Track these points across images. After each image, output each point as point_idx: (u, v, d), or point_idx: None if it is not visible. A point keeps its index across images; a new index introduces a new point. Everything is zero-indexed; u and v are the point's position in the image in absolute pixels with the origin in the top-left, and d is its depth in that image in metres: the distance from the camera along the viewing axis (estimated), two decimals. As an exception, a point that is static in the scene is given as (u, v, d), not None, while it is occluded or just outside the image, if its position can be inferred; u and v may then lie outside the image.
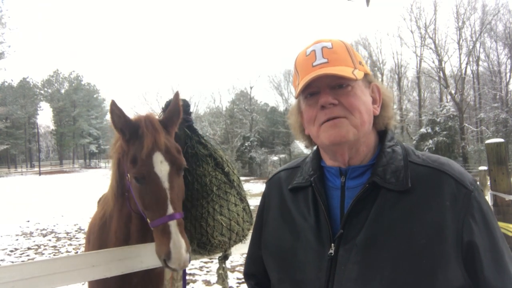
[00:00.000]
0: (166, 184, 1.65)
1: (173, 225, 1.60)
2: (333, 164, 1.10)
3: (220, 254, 2.00)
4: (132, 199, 1.80)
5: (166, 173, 1.67)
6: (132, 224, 1.91)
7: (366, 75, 1.08)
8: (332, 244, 1.00)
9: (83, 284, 5.15)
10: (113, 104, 1.68)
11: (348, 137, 1.00)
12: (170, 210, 1.62)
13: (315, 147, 1.21)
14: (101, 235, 2.05)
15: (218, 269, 2.07)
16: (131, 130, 1.71)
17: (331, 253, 0.99)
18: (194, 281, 5.87)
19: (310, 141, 1.18)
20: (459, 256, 0.91)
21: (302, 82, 1.03)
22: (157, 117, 1.85)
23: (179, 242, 1.58)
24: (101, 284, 1.92)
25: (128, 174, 1.76)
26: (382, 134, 1.12)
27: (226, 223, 1.86)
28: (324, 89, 1.03)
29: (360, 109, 1.02)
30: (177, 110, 1.84)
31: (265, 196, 1.30)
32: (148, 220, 1.67)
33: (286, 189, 1.20)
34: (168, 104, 2.11)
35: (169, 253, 1.56)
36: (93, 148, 71.93)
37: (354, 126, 1.01)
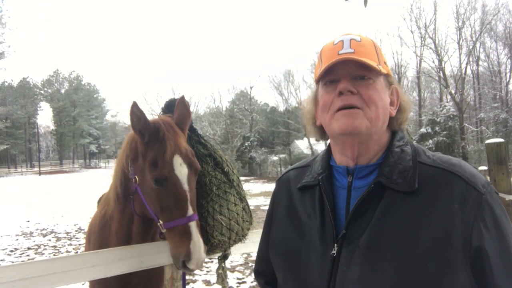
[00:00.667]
0: (186, 186, 1.69)
1: (193, 225, 1.64)
2: (342, 161, 1.09)
3: (219, 254, 2.00)
4: (138, 201, 1.80)
5: (185, 176, 1.71)
6: (133, 226, 1.92)
7: (388, 75, 1.07)
8: (335, 245, 0.98)
9: (83, 284, 5.16)
10: (134, 105, 1.68)
11: (360, 128, 0.99)
12: (190, 211, 1.67)
13: (326, 145, 1.20)
14: (102, 235, 2.06)
15: (218, 268, 2.07)
16: (150, 133, 1.71)
17: (333, 253, 0.97)
18: (194, 281, 5.86)
19: (321, 134, 1.16)
20: (467, 262, 0.87)
21: (325, 66, 1.02)
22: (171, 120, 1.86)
23: (199, 243, 1.63)
24: (102, 284, 1.92)
25: (136, 177, 1.76)
26: (392, 134, 1.10)
27: (226, 222, 1.86)
28: (345, 77, 1.02)
29: (377, 103, 1.01)
30: (187, 112, 1.88)
31: (275, 195, 1.29)
32: (160, 221, 1.68)
33: (295, 188, 1.19)
34: (168, 104, 2.11)
35: (189, 254, 1.60)
36: (93, 148, 71.92)
37: (368, 119, 0.99)
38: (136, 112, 1.69)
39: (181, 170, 1.70)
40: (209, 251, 1.89)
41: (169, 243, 1.69)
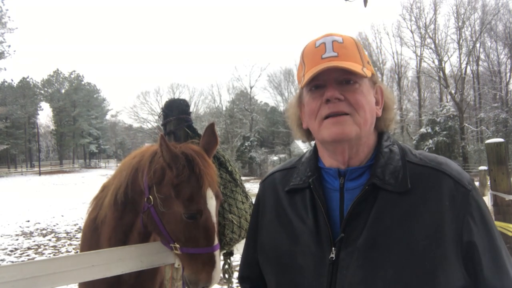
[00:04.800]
0: (214, 219, 1.73)
1: (217, 254, 1.69)
2: (332, 164, 1.08)
3: (225, 251, 2.01)
4: (151, 223, 1.77)
5: (214, 208, 1.73)
6: (131, 235, 1.91)
7: (372, 75, 1.06)
8: (333, 248, 0.97)
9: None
10: (162, 138, 1.64)
11: (350, 135, 0.98)
12: (216, 241, 1.71)
13: (312, 147, 1.18)
14: (92, 239, 2.03)
15: (224, 264, 2.09)
16: (182, 165, 1.67)
17: (332, 257, 0.97)
18: (194, 281, 5.86)
19: (307, 136, 1.15)
20: (459, 256, 0.90)
21: (309, 73, 1.01)
22: (198, 146, 1.83)
23: (219, 268, 1.70)
24: None
25: (151, 197, 1.73)
26: (379, 134, 1.10)
27: (236, 221, 1.89)
28: (331, 83, 1.00)
29: (365, 107, 1.00)
30: (215, 140, 1.88)
31: (260, 197, 1.26)
32: (177, 245, 1.69)
33: (282, 190, 1.16)
34: (168, 104, 2.12)
35: (210, 280, 1.67)
36: (93, 148, 71.87)
37: (357, 124, 0.99)
38: (164, 146, 1.65)
39: (212, 203, 1.71)
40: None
41: (186, 267, 1.71)
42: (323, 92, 1.01)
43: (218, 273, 1.69)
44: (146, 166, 1.79)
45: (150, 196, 1.74)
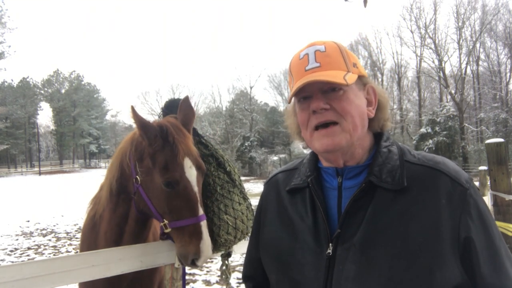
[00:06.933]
0: (196, 188, 1.74)
1: (204, 225, 1.70)
2: (330, 165, 1.11)
3: (222, 252, 2.01)
4: (141, 202, 1.80)
5: (195, 178, 1.75)
6: (127, 226, 1.92)
7: (361, 77, 1.08)
8: (330, 244, 1.00)
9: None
10: (133, 111, 1.69)
11: (341, 144, 1.01)
12: (201, 211, 1.72)
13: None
14: (90, 236, 2.05)
15: (222, 265, 2.09)
16: (157, 136, 1.71)
17: (329, 252, 0.99)
18: (194, 281, 5.87)
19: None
20: (456, 254, 0.91)
21: (294, 86, 1.04)
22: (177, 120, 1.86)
23: (208, 241, 1.70)
24: (89, 287, 1.92)
25: (138, 177, 1.76)
26: (378, 135, 1.12)
27: (232, 222, 1.89)
28: (316, 94, 1.03)
29: (352, 113, 1.02)
30: (191, 113, 1.91)
31: (263, 198, 1.30)
32: (165, 221, 1.71)
33: (284, 190, 1.20)
34: (168, 104, 2.12)
35: (199, 253, 1.66)
36: (93, 148, 71.87)
37: (347, 131, 1.01)
38: (136, 117, 1.69)
39: (191, 172, 1.73)
40: (214, 249, 1.91)
41: (176, 242, 1.72)
42: (310, 103, 1.04)
43: (206, 245, 1.69)
44: (128, 146, 1.85)
45: (137, 176, 1.77)
